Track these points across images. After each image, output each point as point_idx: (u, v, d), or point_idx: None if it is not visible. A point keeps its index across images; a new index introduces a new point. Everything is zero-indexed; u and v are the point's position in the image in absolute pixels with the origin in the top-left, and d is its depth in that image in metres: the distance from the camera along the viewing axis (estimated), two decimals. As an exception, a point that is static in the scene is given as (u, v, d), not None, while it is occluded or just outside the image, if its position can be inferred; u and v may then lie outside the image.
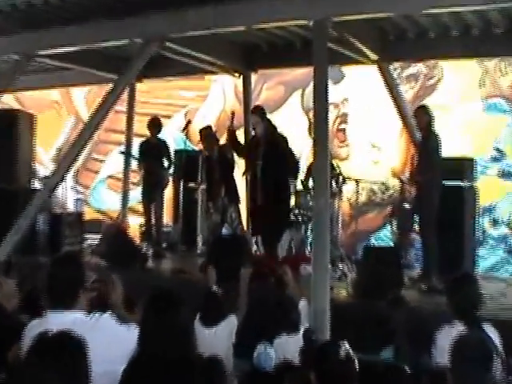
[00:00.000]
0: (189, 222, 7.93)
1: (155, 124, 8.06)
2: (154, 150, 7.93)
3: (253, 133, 7.21)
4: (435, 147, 6.17)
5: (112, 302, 3.28)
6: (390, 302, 4.67)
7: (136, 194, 9.13)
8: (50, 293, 2.70)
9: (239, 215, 7.55)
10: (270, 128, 6.85)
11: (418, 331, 4.10)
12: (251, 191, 6.99)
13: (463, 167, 6.86)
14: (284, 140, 6.80)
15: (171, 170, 8.21)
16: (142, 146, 8.10)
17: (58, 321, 2.53)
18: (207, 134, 7.81)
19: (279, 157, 6.65)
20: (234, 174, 7.65)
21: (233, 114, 7.28)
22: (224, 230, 7.51)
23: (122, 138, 9.50)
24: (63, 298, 2.67)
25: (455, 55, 7.30)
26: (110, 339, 2.60)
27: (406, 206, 6.76)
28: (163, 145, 8.09)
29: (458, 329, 3.27)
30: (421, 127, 6.39)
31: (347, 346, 2.60)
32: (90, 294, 2.92)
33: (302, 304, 4.28)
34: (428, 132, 6.24)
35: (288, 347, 3.55)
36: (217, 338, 3.82)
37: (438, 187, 6.16)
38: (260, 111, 7.01)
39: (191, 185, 7.89)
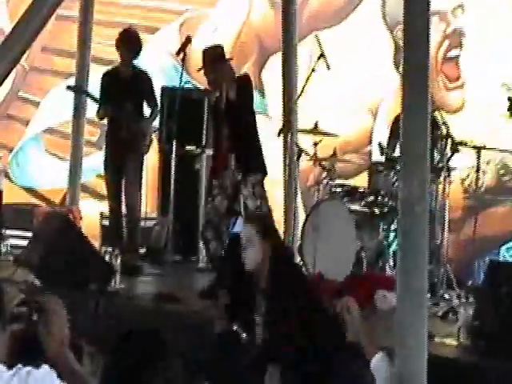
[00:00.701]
0: (186, 213, 7.99)
1: (129, 42, 8.07)
2: (126, 86, 7.99)
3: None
4: None
5: (51, 346, 3.27)
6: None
7: (95, 163, 9.16)
8: None
9: (264, 197, 7.46)
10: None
11: None
12: None
13: None
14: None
15: (156, 122, 8.25)
16: (107, 78, 8.17)
17: None
18: (217, 60, 7.75)
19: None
20: (258, 130, 7.64)
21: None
22: (238, 226, 7.41)
23: (72, 64, 9.55)
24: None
25: None
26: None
27: None
28: (142, 78, 8.13)
29: None
30: None
31: None
32: (11, 332, 2.91)
33: (378, 362, 4.26)
34: None
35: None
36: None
37: None
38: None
39: (190, 148, 7.90)
